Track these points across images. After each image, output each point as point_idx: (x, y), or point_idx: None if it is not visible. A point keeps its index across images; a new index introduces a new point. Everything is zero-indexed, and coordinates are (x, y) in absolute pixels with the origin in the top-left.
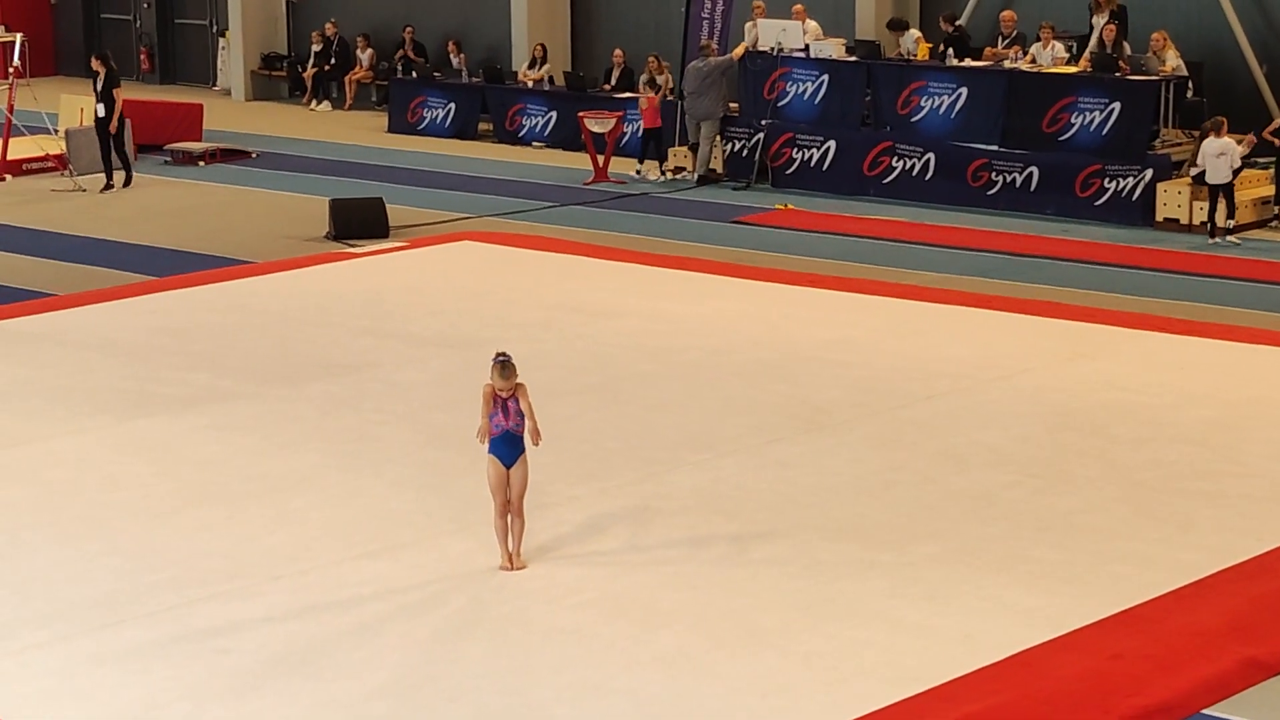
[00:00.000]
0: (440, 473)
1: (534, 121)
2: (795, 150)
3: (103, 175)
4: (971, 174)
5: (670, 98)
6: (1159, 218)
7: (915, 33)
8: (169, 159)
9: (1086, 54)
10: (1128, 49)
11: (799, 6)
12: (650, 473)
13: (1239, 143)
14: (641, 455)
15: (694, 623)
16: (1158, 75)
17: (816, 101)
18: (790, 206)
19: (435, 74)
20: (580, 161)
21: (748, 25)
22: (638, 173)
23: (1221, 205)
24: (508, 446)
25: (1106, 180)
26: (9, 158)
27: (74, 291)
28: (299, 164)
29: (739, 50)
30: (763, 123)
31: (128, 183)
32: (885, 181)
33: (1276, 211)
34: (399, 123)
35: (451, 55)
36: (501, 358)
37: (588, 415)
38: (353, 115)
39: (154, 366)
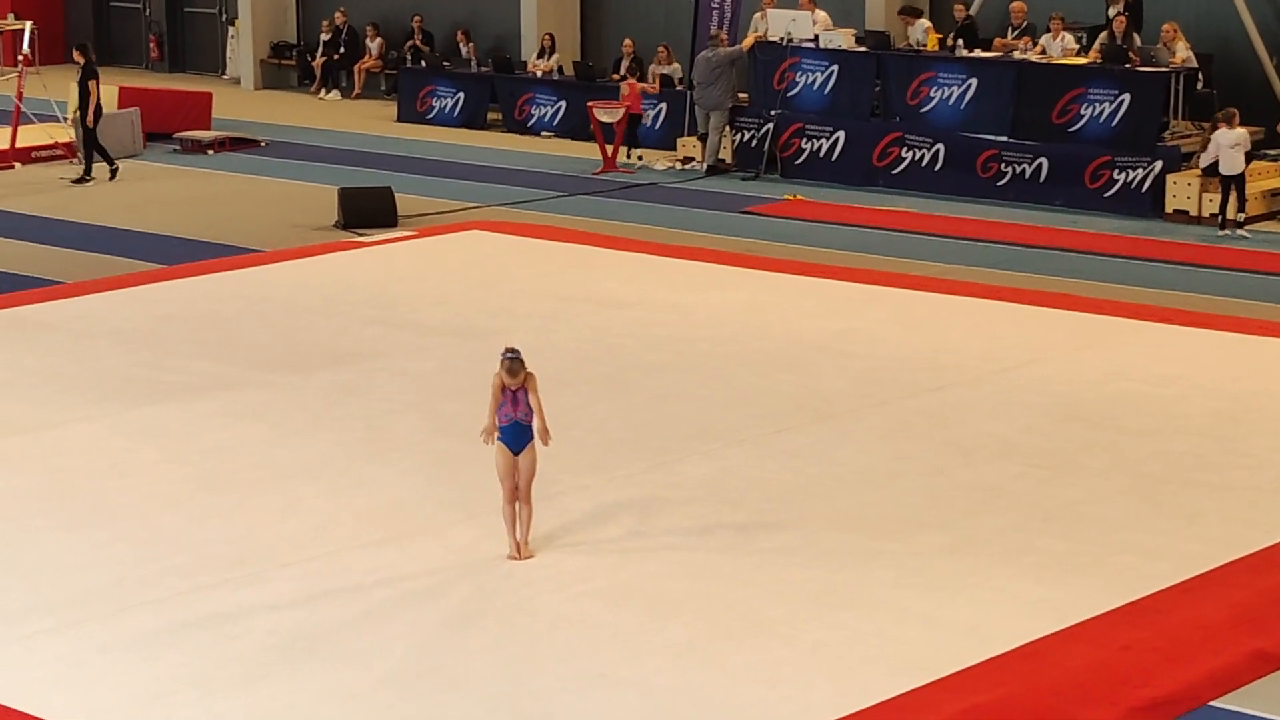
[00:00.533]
0: (448, 461)
1: (543, 111)
2: (804, 141)
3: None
4: (981, 165)
5: (653, 90)
6: (1168, 209)
7: (925, 23)
8: (178, 147)
9: (1096, 45)
10: (1138, 40)
11: None
12: (658, 462)
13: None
14: (649, 445)
15: (701, 612)
16: (1168, 67)
17: (826, 92)
18: (799, 197)
19: (444, 63)
20: (589, 151)
21: (757, 16)
22: (638, 160)
23: (1232, 197)
24: (516, 435)
25: (1116, 172)
26: (18, 146)
27: (83, 280)
28: (308, 153)
29: (748, 40)
30: (772, 113)
31: (112, 176)
32: (894, 172)
33: None
34: (408, 112)
35: (460, 45)
36: (510, 354)
37: (596, 405)
38: (362, 104)
39: (163, 354)
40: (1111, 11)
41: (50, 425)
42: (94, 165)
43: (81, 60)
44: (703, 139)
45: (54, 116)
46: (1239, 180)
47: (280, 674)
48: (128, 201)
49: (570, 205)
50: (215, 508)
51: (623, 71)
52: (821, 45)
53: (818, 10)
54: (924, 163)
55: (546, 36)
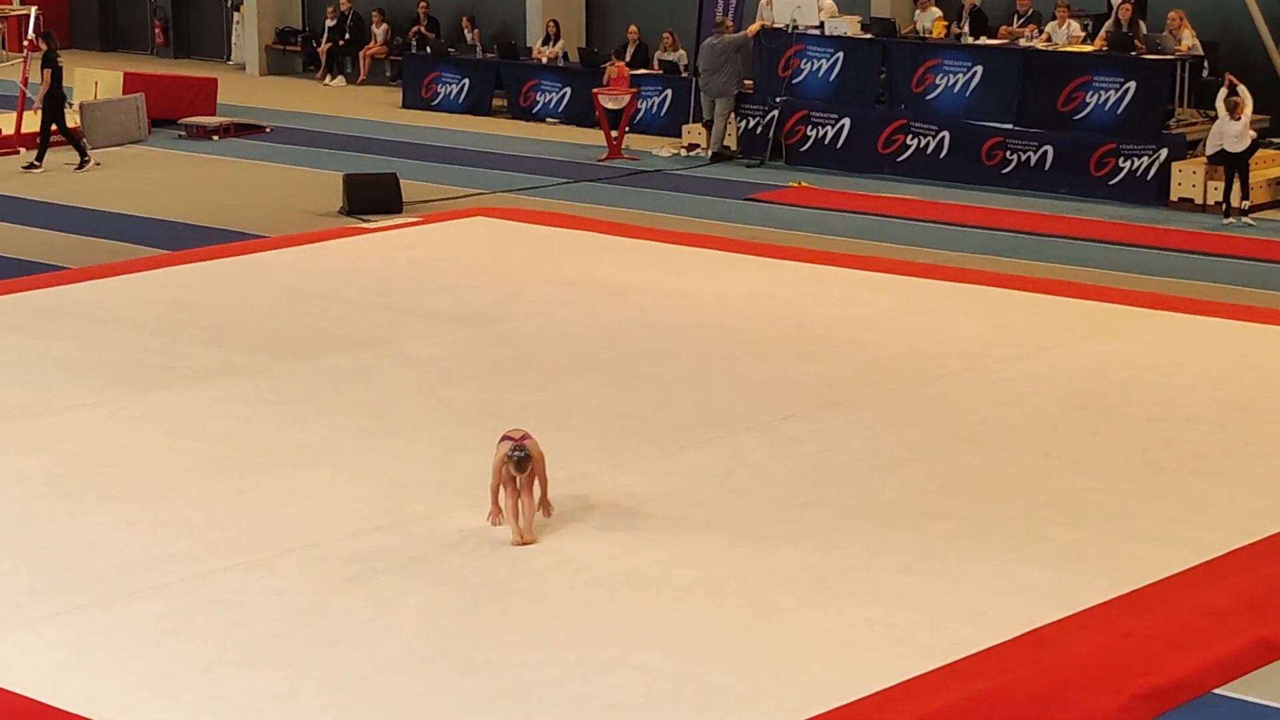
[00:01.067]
0: (452, 448)
1: (548, 98)
2: (810, 128)
3: (118, 149)
4: (986, 152)
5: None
6: (1173, 197)
7: (936, 11)
8: (183, 133)
9: (1102, 33)
10: (1143, 28)
11: None
12: (664, 449)
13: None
14: (655, 432)
15: (706, 599)
16: (1173, 54)
17: (831, 79)
18: (804, 184)
19: (449, 50)
20: (594, 138)
21: (762, 3)
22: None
23: (1236, 185)
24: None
25: (1121, 159)
26: (24, 131)
27: (88, 265)
28: (313, 139)
29: (754, 27)
30: (777, 100)
31: (80, 166)
32: (900, 160)
33: None
34: (413, 98)
35: (466, 31)
36: (518, 453)
37: (601, 392)
38: (367, 90)
39: (167, 340)
40: None
41: (55, 410)
42: (45, 152)
43: (45, 48)
44: (708, 126)
45: None
46: (1243, 169)
47: (285, 659)
48: (133, 187)
49: (575, 192)
50: (220, 493)
51: (630, 57)
52: (827, 32)
53: None
54: (929, 150)
55: (551, 23)
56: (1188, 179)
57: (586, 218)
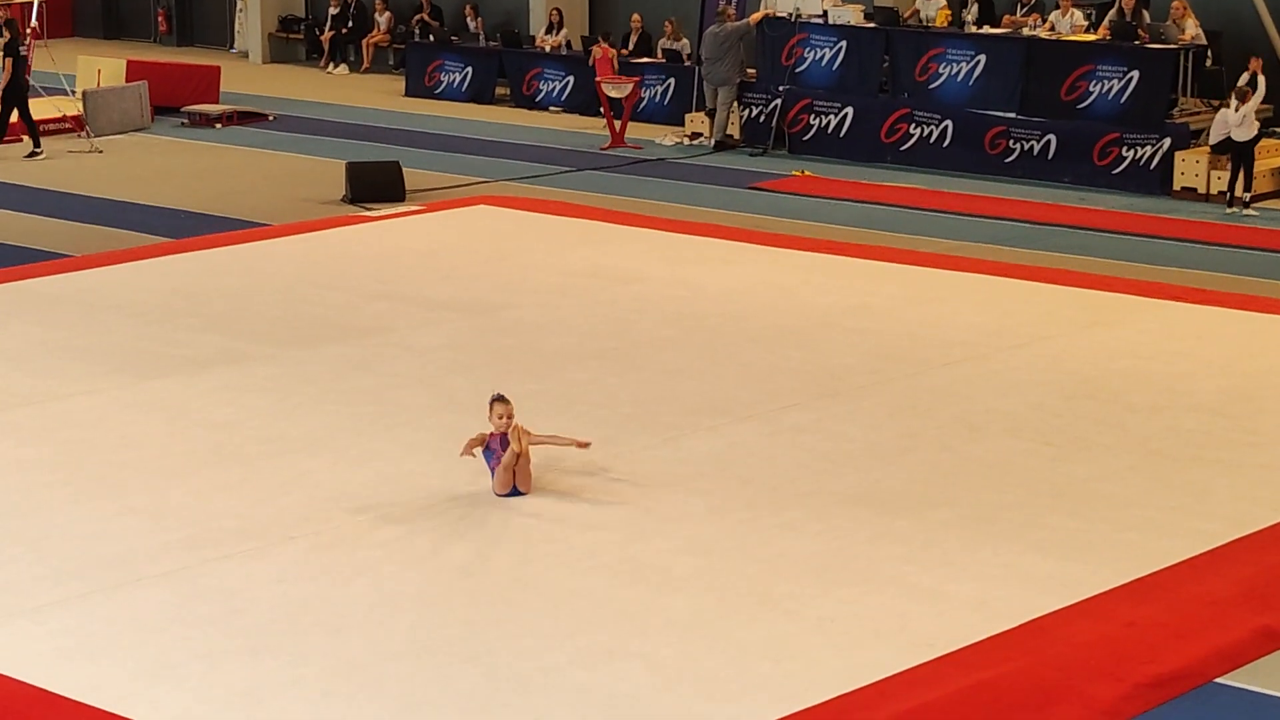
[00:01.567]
0: (455, 436)
1: (551, 86)
2: (812, 116)
3: (120, 137)
4: (989, 141)
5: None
6: (1176, 186)
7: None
8: (186, 121)
9: (1105, 22)
10: (1147, 17)
11: None
12: (666, 438)
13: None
14: (657, 420)
15: (708, 587)
16: (1177, 44)
17: (834, 68)
18: (807, 173)
19: (453, 38)
20: (597, 126)
21: None
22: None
23: (1240, 174)
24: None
25: (1124, 149)
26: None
27: (90, 253)
28: (316, 127)
29: (757, 16)
30: (780, 89)
31: (31, 155)
32: (903, 148)
33: None
34: (416, 86)
35: (469, 19)
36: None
37: (604, 380)
38: (370, 78)
39: (170, 328)
40: None
41: (58, 397)
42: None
43: (8, 36)
44: (711, 114)
45: (62, 89)
46: (1247, 158)
47: (287, 647)
48: (136, 175)
49: (578, 180)
50: (222, 481)
51: (633, 45)
52: (830, 21)
53: None
54: (932, 139)
55: (554, 11)
56: (1191, 168)
57: (589, 206)
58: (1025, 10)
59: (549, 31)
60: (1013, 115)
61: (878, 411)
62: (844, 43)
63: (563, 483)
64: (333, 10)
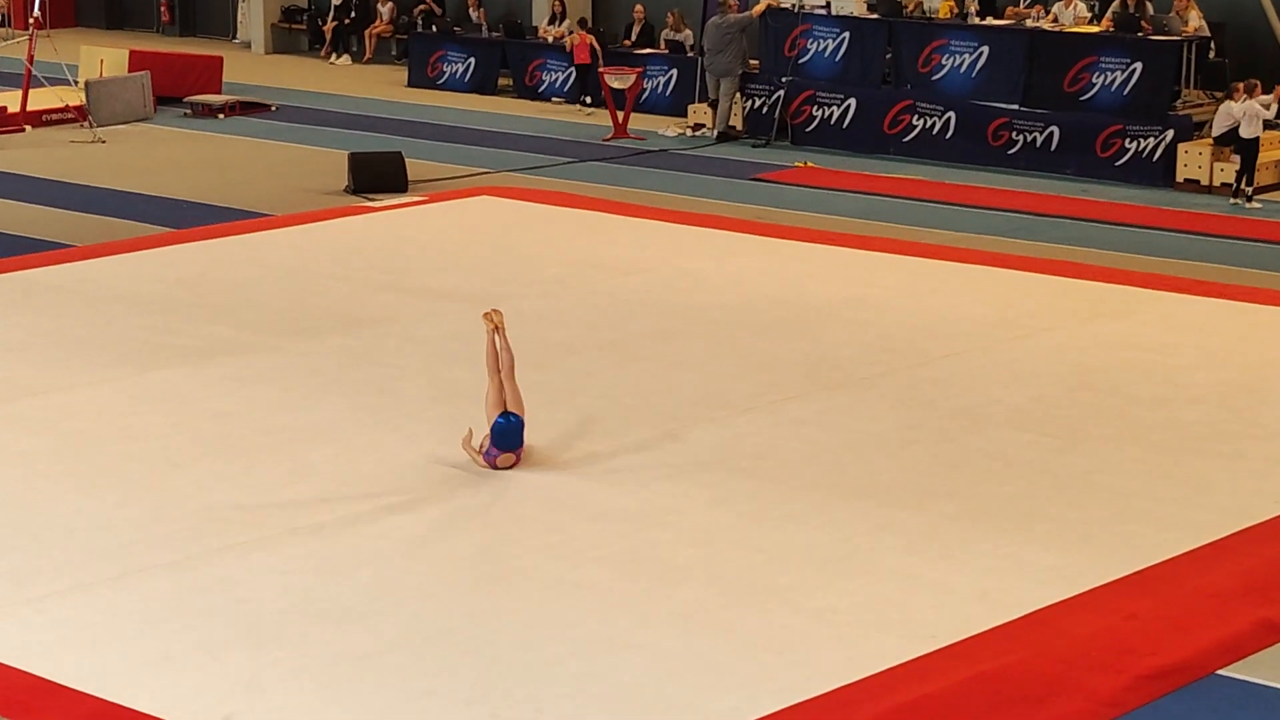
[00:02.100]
0: (456, 427)
1: (553, 77)
2: (815, 108)
3: (123, 127)
4: (992, 133)
5: (598, 46)
6: (1179, 178)
7: None
8: (188, 111)
9: (1109, 14)
10: (1150, 9)
11: None
12: (668, 429)
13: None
14: (659, 411)
15: (710, 579)
16: (1180, 35)
17: (837, 59)
18: (810, 164)
19: (455, 29)
20: (599, 118)
21: None
22: (583, 105)
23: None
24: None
25: (1127, 140)
26: (29, 109)
27: (93, 243)
28: (318, 117)
29: (759, 7)
30: (783, 80)
31: None
32: (905, 140)
33: None
34: (418, 77)
35: (471, 10)
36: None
37: (606, 371)
38: (372, 69)
39: (172, 318)
40: None
41: (60, 388)
42: None
43: None
44: (713, 105)
45: (65, 79)
46: (1252, 150)
47: (289, 637)
48: (138, 165)
49: (580, 171)
50: (224, 471)
51: (636, 36)
52: (833, 12)
53: None
54: (935, 130)
55: (557, 2)
56: (1194, 160)
57: (591, 197)
58: (1028, 2)
59: (552, 22)
60: (1015, 107)
61: (880, 403)
62: (847, 34)
63: (564, 474)
64: (335, 1)
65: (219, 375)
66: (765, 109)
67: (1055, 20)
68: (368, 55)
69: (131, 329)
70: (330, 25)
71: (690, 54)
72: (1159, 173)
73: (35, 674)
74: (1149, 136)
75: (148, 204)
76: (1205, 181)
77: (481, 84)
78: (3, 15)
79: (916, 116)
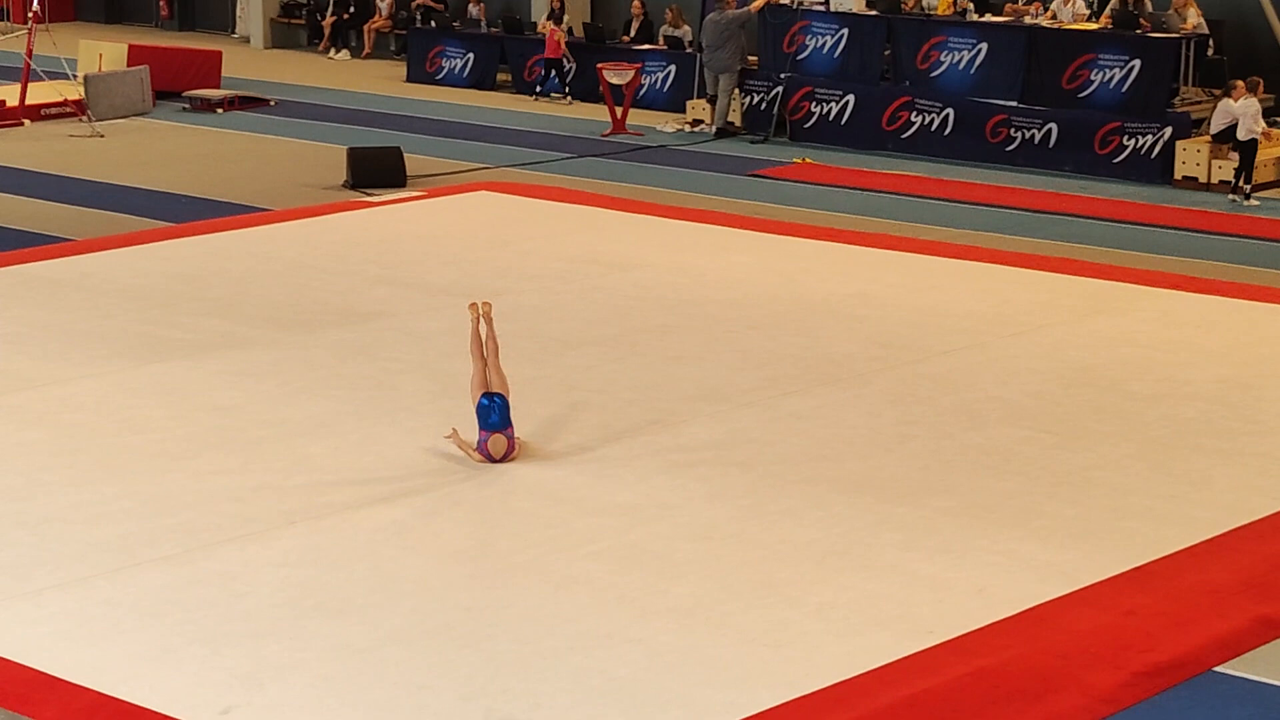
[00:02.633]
0: (455, 421)
1: (552, 72)
2: (814, 104)
3: (122, 121)
4: (990, 130)
5: (570, 37)
6: (1177, 176)
7: None
8: (187, 106)
9: (1107, 11)
10: (1149, 6)
11: None
12: (666, 424)
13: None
14: (657, 406)
15: (708, 573)
16: (1178, 33)
17: (836, 55)
18: (808, 160)
19: (454, 24)
20: (598, 113)
21: None
22: (537, 94)
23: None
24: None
25: (1126, 138)
26: (28, 103)
27: (92, 237)
28: (317, 112)
29: (758, 3)
30: (781, 76)
31: None
32: (904, 136)
33: None
34: (417, 72)
35: (470, 5)
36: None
37: (604, 366)
38: (371, 64)
39: (171, 312)
40: None
41: (59, 381)
42: None
43: None
44: (712, 101)
45: (63, 74)
46: (1250, 148)
47: (287, 631)
48: (137, 159)
49: (579, 167)
50: (223, 465)
51: (635, 32)
52: (832, 8)
53: None
54: (933, 127)
55: None
56: (1192, 157)
57: (590, 193)
58: None
59: (550, 18)
60: (1014, 104)
61: (878, 399)
62: (846, 30)
63: (562, 468)
64: None
65: (217, 369)
66: (764, 105)
67: (1054, 17)
68: (367, 50)
69: (130, 322)
70: (329, 20)
71: (689, 50)
72: (1157, 170)
73: (34, 667)
74: (1147, 134)
75: (146, 198)
76: (1203, 179)
77: (480, 79)
78: (2, 9)
79: (915, 113)
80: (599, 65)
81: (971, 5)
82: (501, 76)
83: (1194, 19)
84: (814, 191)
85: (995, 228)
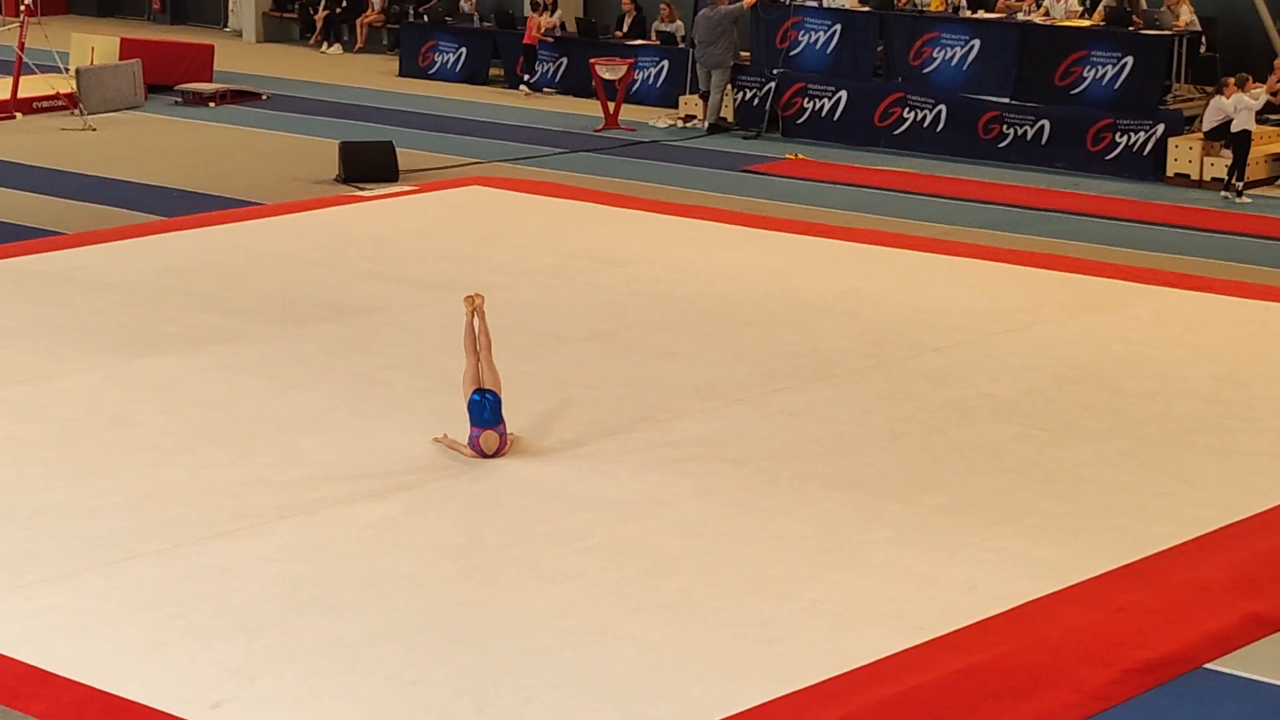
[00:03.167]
0: (446, 416)
1: (545, 68)
2: (806, 100)
3: (114, 115)
4: (983, 126)
5: (560, 32)
6: (1170, 173)
7: None
8: (179, 99)
9: (1100, 8)
10: (1142, 3)
11: None
12: (658, 420)
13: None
14: (650, 402)
15: (700, 570)
16: (1171, 30)
17: (828, 51)
18: (800, 156)
19: (447, 18)
20: (591, 108)
21: None
22: (523, 85)
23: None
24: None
25: (1118, 135)
26: (20, 96)
27: (83, 230)
28: (309, 106)
29: None
30: (774, 72)
31: None
32: (896, 133)
33: None
34: (410, 67)
35: (462, 0)
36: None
37: (596, 362)
38: (363, 58)
39: (162, 306)
40: None
41: (50, 375)
42: None
43: None
44: (704, 97)
45: (55, 67)
46: (1243, 144)
47: (278, 625)
48: (128, 153)
49: (571, 162)
50: (214, 459)
51: (628, 28)
52: (824, 4)
53: None
54: (926, 123)
55: None
56: (1184, 154)
57: (582, 188)
58: None
59: (539, 11)
60: (1006, 100)
61: (870, 395)
62: (838, 26)
63: (554, 464)
64: None
65: (209, 363)
66: (756, 101)
67: (1047, 14)
68: (359, 44)
69: (121, 316)
70: (322, 14)
71: (681, 45)
72: (1149, 167)
73: (24, 661)
74: (1139, 131)
75: (138, 192)
76: (1195, 176)
77: (473, 74)
78: None
79: (907, 109)
80: (592, 60)
81: (964, 1)
82: (494, 71)
83: (1186, 16)
84: (806, 187)
85: (987, 224)
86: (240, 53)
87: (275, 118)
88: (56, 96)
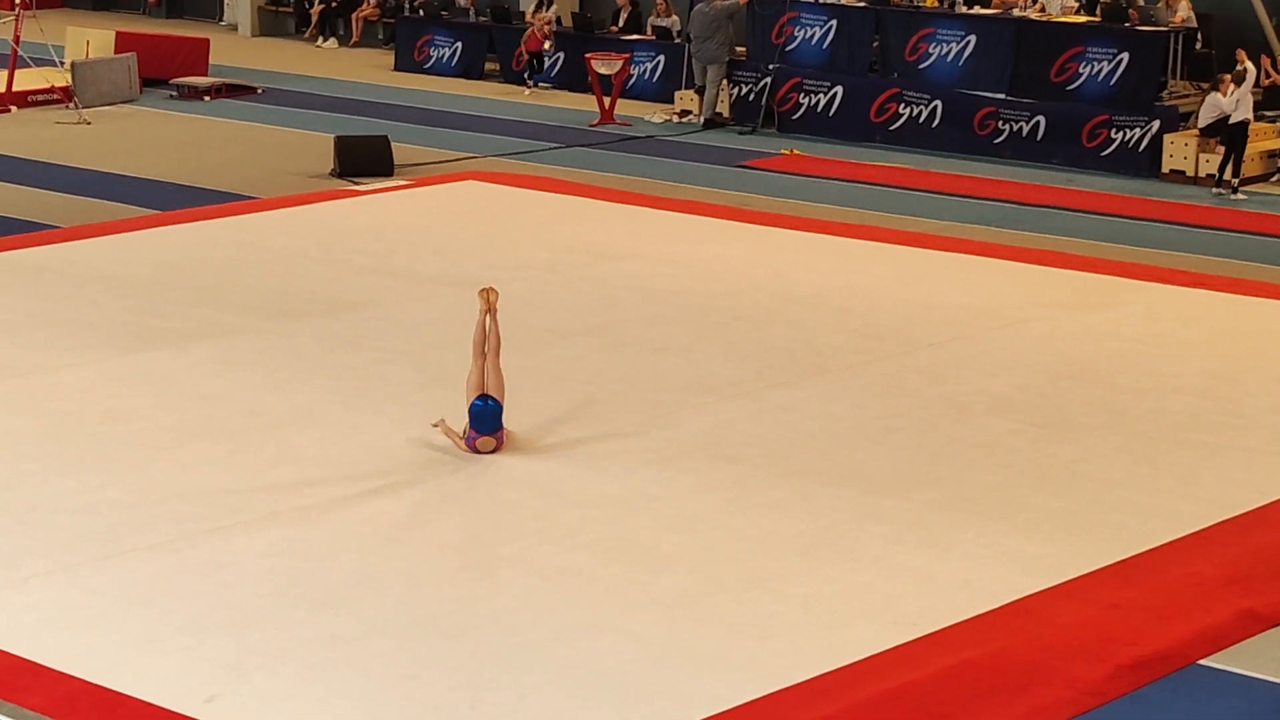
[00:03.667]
0: (441, 411)
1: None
2: (802, 95)
3: (109, 108)
4: (978, 122)
5: (554, 30)
6: (1165, 169)
7: None
8: (174, 93)
9: (1096, 3)
10: None
11: None
12: (653, 415)
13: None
14: (644, 398)
15: (694, 565)
16: (1167, 26)
17: (824, 47)
18: (796, 152)
19: (442, 13)
20: (587, 103)
21: None
22: (529, 83)
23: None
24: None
25: (1113, 131)
26: (15, 89)
27: (77, 224)
28: (305, 101)
29: None
30: (770, 67)
31: None
32: (892, 128)
33: None
34: (405, 61)
35: None
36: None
37: (591, 357)
38: (359, 53)
39: (157, 300)
40: None
41: (44, 369)
42: None
43: None
44: (700, 92)
45: (51, 60)
46: (1239, 141)
47: (272, 620)
48: (124, 147)
49: (567, 157)
50: (208, 454)
51: (624, 23)
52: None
53: None
54: (921, 119)
55: None
56: (1179, 151)
57: (578, 183)
58: None
59: (539, 8)
60: (1002, 96)
61: (864, 391)
62: (834, 22)
63: (549, 460)
64: None
65: (203, 357)
66: (752, 96)
67: (1043, 10)
68: (354, 39)
69: (116, 311)
70: (317, 8)
71: (677, 40)
72: (1144, 163)
73: (18, 654)
74: (1135, 127)
75: (133, 185)
76: (1190, 172)
77: (468, 68)
78: None
79: (903, 105)
80: (587, 55)
81: None
82: (489, 65)
83: (1183, 12)
84: (802, 183)
85: (982, 220)
86: (235, 46)
87: (270, 112)
88: (51, 90)
